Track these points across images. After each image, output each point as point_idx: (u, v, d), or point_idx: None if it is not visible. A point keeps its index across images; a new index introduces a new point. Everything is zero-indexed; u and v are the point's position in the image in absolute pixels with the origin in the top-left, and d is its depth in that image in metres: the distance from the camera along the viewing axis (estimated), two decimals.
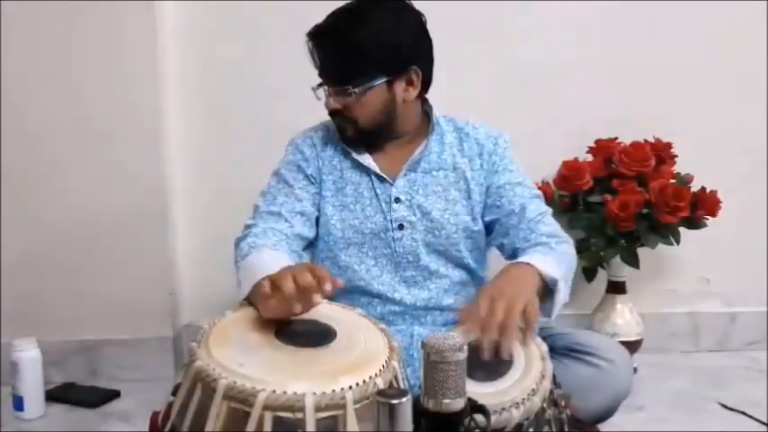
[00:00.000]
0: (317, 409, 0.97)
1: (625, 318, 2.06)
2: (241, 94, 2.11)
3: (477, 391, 1.04)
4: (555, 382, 1.19)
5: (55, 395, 1.93)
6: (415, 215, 1.51)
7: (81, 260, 2.05)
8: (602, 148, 2.07)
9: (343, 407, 0.98)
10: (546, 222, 1.51)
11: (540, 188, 2.02)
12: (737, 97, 2.19)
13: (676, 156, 2.06)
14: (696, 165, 2.06)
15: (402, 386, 1.08)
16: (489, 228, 1.56)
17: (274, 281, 1.12)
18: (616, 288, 2.08)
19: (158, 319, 2.07)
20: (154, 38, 2.00)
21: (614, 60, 2.16)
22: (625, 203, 1.93)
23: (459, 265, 1.54)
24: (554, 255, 1.40)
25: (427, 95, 1.56)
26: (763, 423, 1.70)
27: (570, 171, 2.03)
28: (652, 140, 2.06)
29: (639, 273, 2.05)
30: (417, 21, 1.48)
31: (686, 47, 2.16)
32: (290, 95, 2.07)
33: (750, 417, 1.74)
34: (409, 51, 1.46)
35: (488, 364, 1.16)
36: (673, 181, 2.01)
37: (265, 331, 1.13)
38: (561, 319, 1.41)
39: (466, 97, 1.91)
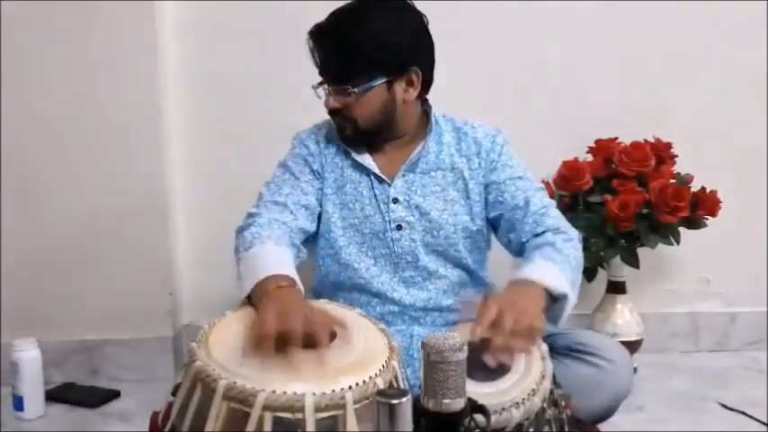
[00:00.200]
0: (317, 409, 0.97)
1: (625, 318, 2.06)
2: (241, 94, 2.11)
3: (477, 391, 1.04)
4: (555, 383, 1.19)
5: (55, 395, 1.93)
6: (413, 215, 1.51)
7: (81, 260, 2.05)
8: (602, 148, 2.07)
9: (343, 407, 0.98)
10: (551, 215, 1.51)
11: None
12: (737, 97, 2.18)
13: (676, 156, 2.06)
14: (696, 165, 2.06)
15: (402, 386, 1.08)
16: (495, 225, 1.56)
17: (282, 332, 1.08)
18: (616, 288, 2.08)
19: (158, 319, 2.06)
20: (154, 38, 2.00)
21: (614, 60, 2.15)
22: (625, 203, 1.93)
23: (459, 265, 1.54)
24: (561, 260, 1.39)
25: (427, 95, 1.56)
26: (764, 423, 1.70)
27: (570, 171, 2.03)
28: (652, 140, 2.06)
29: (639, 273, 2.05)
30: (418, 21, 1.48)
31: (686, 47, 2.16)
32: (290, 95, 2.07)
33: (750, 417, 1.74)
34: (409, 52, 1.45)
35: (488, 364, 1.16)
36: (673, 181, 2.01)
37: None
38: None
39: (466, 97, 1.91)
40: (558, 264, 1.38)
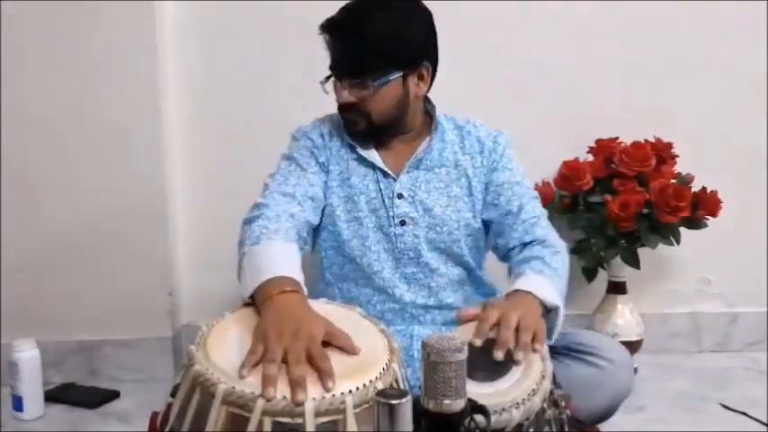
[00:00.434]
0: (317, 413, 0.96)
1: (625, 318, 2.05)
2: (241, 94, 2.11)
3: (478, 391, 1.04)
4: (555, 383, 1.19)
5: (54, 395, 1.93)
6: (417, 211, 1.51)
7: (81, 260, 2.05)
8: (603, 148, 2.07)
9: (343, 411, 0.97)
10: (541, 225, 1.53)
11: (540, 188, 2.04)
12: (737, 97, 2.18)
13: (676, 156, 2.06)
14: (696, 165, 2.06)
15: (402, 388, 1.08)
16: (486, 226, 1.57)
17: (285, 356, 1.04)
18: (616, 288, 2.08)
19: (158, 319, 2.06)
20: (154, 38, 1.99)
21: (614, 60, 2.15)
22: (625, 203, 1.93)
23: (460, 263, 1.54)
24: (551, 274, 1.41)
25: (428, 94, 1.56)
26: (764, 423, 1.70)
27: (570, 171, 2.03)
28: (652, 140, 2.06)
29: (640, 273, 2.05)
30: (428, 17, 1.50)
31: (686, 47, 2.16)
32: (290, 95, 2.08)
33: (751, 417, 1.73)
34: (422, 46, 1.47)
35: (488, 364, 1.16)
36: (673, 181, 2.00)
37: None
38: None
39: (466, 97, 1.90)
40: (549, 278, 1.40)
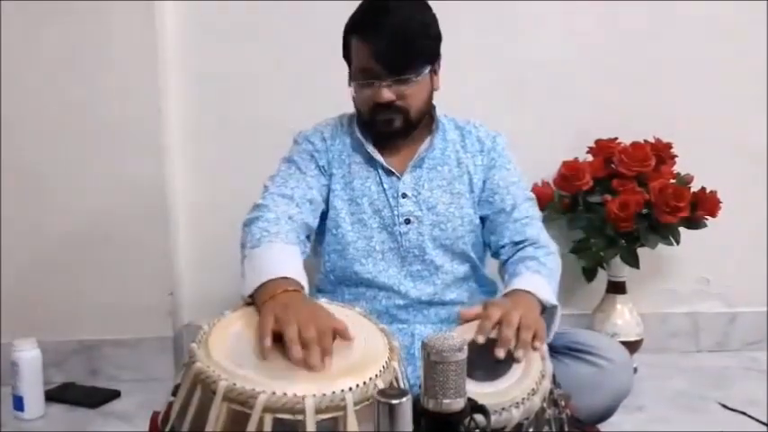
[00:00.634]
0: (318, 410, 0.97)
1: (625, 318, 2.05)
2: (241, 95, 2.11)
3: (477, 391, 1.04)
4: (555, 382, 1.19)
5: (55, 395, 1.93)
6: (421, 210, 1.53)
7: (81, 260, 2.05)
8: (602, 148, 2.07)
9: (344, 408, 0.98)
10: (534, 226, 1.55)
11: (540, 188, 2.04)
12: (737, 97, 2.18)
13: (676, 156, 2.06)
14: (696, 165, 2.06)
15: (402, 387, 1.08)
16: (482, 224, 1.59)
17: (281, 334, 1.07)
18: (616, 288, 2.08)
19: (158, 319, 2.06)
20: (154, 38, 1.99)
21: (614, 60, 2.16)
22: (625, 203, 1.93)
23: (464, 259, 1.56)
24: (546, 274, 1.43)
25: None
26: (764, 423, 1.70)
27: (570, 171, 2.03)
28: (652, 140, 2.06)
29: (639, 273, 2.05)
30: (434, 13, 1.53)
31: (686, 47, 2.16)
32: (289, 96, 2.08)
33: (750, 417, 1.74)
34: (440, 41, 1.52)
35: (488, 364, 1.16)
36: (673, 181, 2.01)
37: None
38: (561, 318, 1.41)
39: (466, 97, 1.91)
40: (545, 277, 1.42)
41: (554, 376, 1.20)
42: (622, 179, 2.00)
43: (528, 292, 1.35)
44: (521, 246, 1.52)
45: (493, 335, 1.21)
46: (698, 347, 2.28)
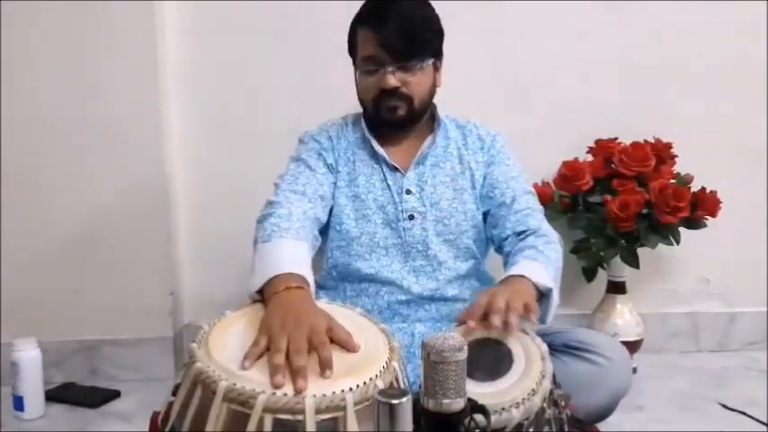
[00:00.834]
0: (318, 411, 0.97)
1: (625, 318, 2.06)
2: (241, 94, 2.11)
3: (477, 391, 1.05)
4: (555, 382, 1.19)
5: (55, 395, 1.93)
6: (424, 206, 1.55)
7: (81, 260, 2.05)
8: (602, 148, 2.07)
9: (344, 408, 0.98)
10: (535, 217, 1.56)
11: (540, 188, 2.04)
12: (737, 97, 2.18)
13: (676, 156, 2.06)
14: (696, 165, 2.06)
15: (402, 387, 1.08)
16: (484, 219, 1.61)
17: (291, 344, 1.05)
18: (616, 288, 2.08)
19: (158, 319, 2.06)
20: (154, 38, 2.00)
21: (614, 61, 2.16)
22: (625, 203, 1.93)
23: (467, 255, 1.58)
24: (544, 260, 1.44)
25: None
26: (763, 423, 1.70)
27: (570, 171, 2.03)
28: (652, 140, 2.06)
29: (639, 273, 2.05)
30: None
31: (686, 47, 2.16)
32: (289, 95, 2.08)
33: (750, 417, 1.74)
34: (442, 39, 1.55)
35: (488, 364, 1.16)
36: (673, 181, 2.01)
37: None
38: (561, 318, 1.42)
39: (466, 97, 1.91)
40: (541, 263, 1.43)
41: (554, 376, 1.20)
42: (622, 179, 2.00)
43: (522, 277, 1.36)
44: (522, 236, 1.53)
45: (493, 335, 1.21)
46: (698, 347, 2.28)
